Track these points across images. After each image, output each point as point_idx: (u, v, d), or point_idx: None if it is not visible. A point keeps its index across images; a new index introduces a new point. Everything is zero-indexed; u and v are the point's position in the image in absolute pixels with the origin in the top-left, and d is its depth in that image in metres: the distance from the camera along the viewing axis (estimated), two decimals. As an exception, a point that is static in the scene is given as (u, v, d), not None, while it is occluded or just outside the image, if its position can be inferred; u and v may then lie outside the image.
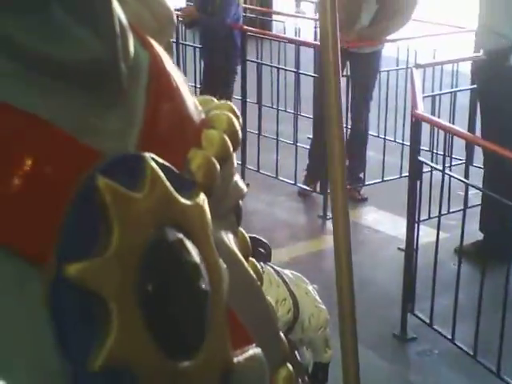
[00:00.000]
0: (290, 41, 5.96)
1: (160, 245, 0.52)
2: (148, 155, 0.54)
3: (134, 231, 0.50)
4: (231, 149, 0.64)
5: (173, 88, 0.61)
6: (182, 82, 0.63)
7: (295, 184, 5.26)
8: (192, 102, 0.63)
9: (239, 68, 5.51)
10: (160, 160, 0.55)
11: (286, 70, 5.76)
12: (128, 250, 0.49)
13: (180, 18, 5.42)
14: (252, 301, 0.67)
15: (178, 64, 5.41)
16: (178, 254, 0.53)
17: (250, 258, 0.73)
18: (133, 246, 0.50)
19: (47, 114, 0.49)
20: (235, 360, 0.59)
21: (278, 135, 5.43)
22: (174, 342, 0.52)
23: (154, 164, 0.54)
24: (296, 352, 1.87)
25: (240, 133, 0.66)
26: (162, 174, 0.54)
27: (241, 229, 0.71)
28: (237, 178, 0.68)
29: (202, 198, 0.58)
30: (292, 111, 5.73)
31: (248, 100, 5.55)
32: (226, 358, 0.58)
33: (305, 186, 5.25)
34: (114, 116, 0.54)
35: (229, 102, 0.68)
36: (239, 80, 5.50)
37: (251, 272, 0.68)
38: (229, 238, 0.66)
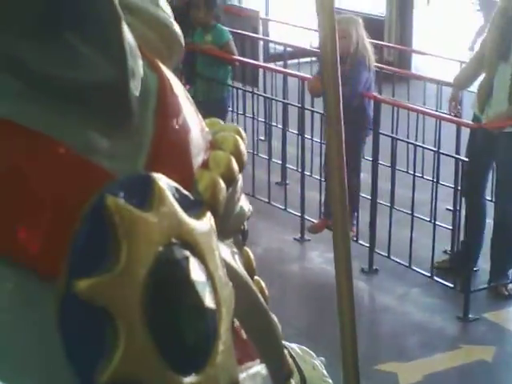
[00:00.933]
0: (430, 114, 5.06)
1: (167, 262, 0.53)
2: (156, 175, 0.56)
3: (142, 249, 0.52)
4: (237, 170, 0.65)
5: (181, 110, 0.62)
6: (190, 105, 0.64)
7: (431, 277, 4.41)
8: (199, 124, 0.65)
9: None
10: (168, 180, 0.57)
11: (424, 147, 4.85)
12: (136, 267, 0.51)
13: (307, 88, 4.98)
14: (257, 318, 0.69)
15: (302, 130, 5.10)
16: (186, 271, 0.55)
17: (256, 277, 0.74)
18: (141, 263, 0.51)
19: (58, 135, 0.52)
20: (240, 376, 0.60)
21: (413, 209, 4.53)
22: (181, 357, 0.53)
23: (161, 184, 0.55)
24: None
25: (245, 154, 0.67)
26: (169, 194, 0.55)
27: (246, 248, 0.73)
28: (242, 198, 0.69)
29: (209, 218, 0.60)
30: (430, 178, 4.79)
31: (380, 162, 4.77)
32: (232, 373, 0.59)
33: (443, 281, 4.38)
34: (123, 137, 0.56)
35: (235, 124, 0.69)
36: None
37: (256, 290, 0.70)
38: (234, 257, 0.68)
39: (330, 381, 1.97)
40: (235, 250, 0.69)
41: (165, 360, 0.52)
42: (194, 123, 0.64)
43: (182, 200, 0.57)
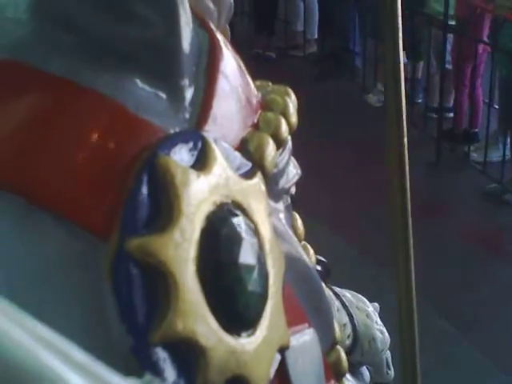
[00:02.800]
0: None
1: (219, 221, 0.53)
2: (207, 134, 0.55)
3: (194, 208, 0.51)
4: (288, 131, 0.65)
5: (232, 70, 0.62)
6: (241, 64, 0.64)
7: None
8: (250, 84, 0.64)
9: None
10: (218, 139, 0.56)
11: None
12: (189, 226, 0.50)
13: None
14: (306, 282, 0.68)
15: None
16: (237, 231, 0.54)
17: (303, 242, 0.74)
18: (193, 222, 0.51)
19: (111, 91, 0.51)
20: (291, 339, 0.60)
21: None
22: (233, 317, 0.53)
23: (213, 143, 0.54)
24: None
25: (295, 115, 0.67)
26: (220, 153, 0.55)
27: (294, 212, 0.72)
28: (292, 160, 0.69)
29: (259, 178, 0.59)
30: None
31: None
32: (283, 336, 0.59)
33: None
34: (174, 96, 0.55)
35: (285, 86, 0.69)
36: None
37: (305, 255, 0.69)
38: (284, 219, 0.67)
39: (384, 329, 1.95)
40: (285, 212, 0.68)
41: (217, 319, 0.51)
42: (245, 83, 0.63)
43: (233, 160, 0.57)
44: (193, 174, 0.52)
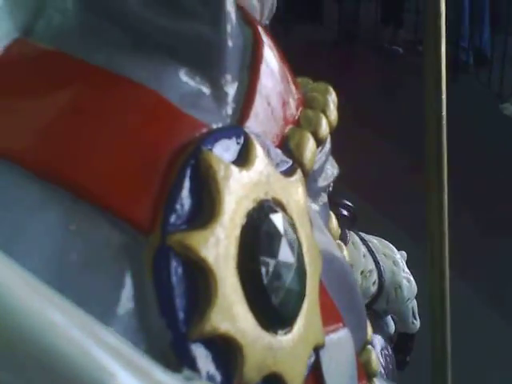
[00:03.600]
0: None
1: (259, 219, 0.53)
2: (249, 130, 0.55)
3: (236, 204, 0.51)
4: (328, 129, 0.64)
5: (275, 66, 0.62)
6: (284, 60, 0.63)
7: None
8: (292, 82, 0.64)
9: None
10: (260, 136, 0.56)
11: None
12: (230, 222, 0.50)
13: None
14: (341, 281, 0.68)
15: None
16: (277, 228, 0.54)
17: (338, 241, 0.73)
18: (235, 218, 0.51)
19: (155, 84, 0.51)
20: (326, 338, 0.60)
21: None
22: (270, 315, 0.52)
23: (255, 139, 0.54)
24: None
25: (336, 114, 0.67)
26: (262, 150, 0.55)
27: (330, 212, 0.72)
28: (330, 159, 0.69)
29: (299, 176, 0.59)
30: None
31: None
32: (318, 334, 0.58)
33: None
34: (217, 91, 0.55)
35: (326, 84, 0.69)
36: None
37: (341, 253, 0.69)
38: (321, 218, 0.67)
39: (411, 277, 1.89)
40: (322, 210, 0.68)
41: (255, 317, 0.51)
42: (287, 80, 0.63)
43: (274, 156, 0.57)
44: (235, 170, 0.52)
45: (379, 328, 1.85)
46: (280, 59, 0.63)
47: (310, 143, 0.61)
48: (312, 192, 0.64)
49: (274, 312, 0.53)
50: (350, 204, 1.83)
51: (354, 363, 0.66)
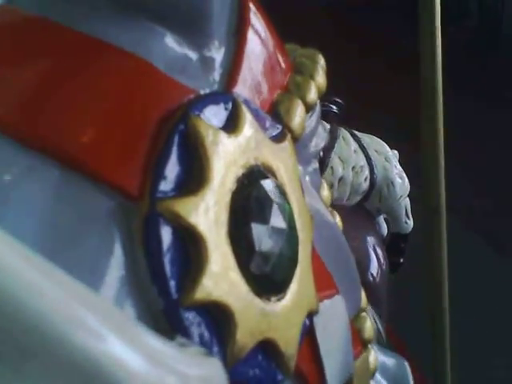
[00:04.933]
0: None
1: (250, 184, 0.52)
2: (237, 96, 0.54)
3: (225, 170, 0.50)
4: (317, 95, 0.64)
5: (262, 31, 0.61)
6: (271, 25, 0.63)
7: None
8: (280, 46, 0.63)
9: None
10: (248, 101, 0.55)
11: None
12: (220, 188, 0.50)
13: None
14: (333, 247, 0.68)
15: None
16: (267, 194, 0.53)
17: (330, 208, 0.73)
18: (225, 184, 0.50)
19: (140, 50, 0.50)
20: (320, 304, 0.59)
21: None
22: (263, 281, 0.52)
23: (243, 105, 0.54)
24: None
25: (324, 80, 0.66)
26: (250, 115, 0.54)
27: (322, 179, 0.72)
28: (321, 124, 0.68)
29: (289, 142, 0.58)
30: None
31: None
32: (312, 300, 0.58)
33: None
34: (204, 56, 0.55)
35: (314, 50, 0.68)
36: None
37: (333, 219, 0.69)
38: (311, 183, 0.67)
39: (404, 174, 1.85)
40: (313, 176, 0.68)
41: (247, 283, 0.51)
42: (275, 45, 0.62)
43: (263, 122, 0.56)
44: (224, 135, 0.51)
45: (372, 229, 1.82)
46: (266, 24, 0.62)
47: (300, 109, 0.61)
48: (302, 158, 0.64)
49: (266, 278, 0.52)
50: (339, 100, 1.79)
51: (348, 329, 0.66)
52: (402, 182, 1.85)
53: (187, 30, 0.53)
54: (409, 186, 1.85)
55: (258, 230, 0.52)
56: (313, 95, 0.63)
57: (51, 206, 0.45)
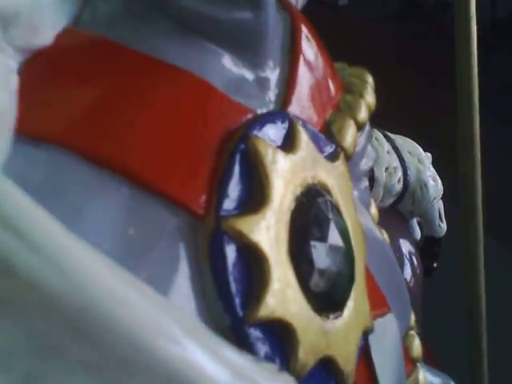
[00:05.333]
0: None
1: (307, 203, 0.53)
2: (293, 115, 0.55)
3: (284, 189, 0.51)
4: (367, 113, 0.65)
5: (314, 51, 0.62)
6: (322, 44, 0.64)
7: None
8: (331, 65, 0.64)
9: None
10: (303, 121, 0.56)
11: None
12: (280, 207, 0.50)
13: None
14: (385, 264, 0.68)
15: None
16: (324, 212, 0.54)
17: (378, 225, 0.73)
18: (284, 203, 0.51)
19: (200, 71, 0.52)
20: (374, 322, 0.59)
21: None
22: (322, 298, 0.53)
23: (299, 124, 0.55)
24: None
25: (374, 99, 0.67)
26: (306, 135, 0.55)
27: (371, 197, 0.72)
28: (371, 143, 0.69)
29: (343, 160, 0.59)
30: None
31: None
32: (367, 318, 0.59)
33: None
34: (259, 77, 0.56)
35: (361, 68, 0.69)
36: None
37: (384, 237, 0.69)
38: (361, 201, 0.68)
39: (437, 176, 1.81)
40: (363, 194, 0.69)
41: (307, 301, 0.51)
42: (326, 65, 0.63)
43: (317, 141, 0.57)
44: (282, 154, 0.52)
45: (405, 232, 1.79)
46: (317, 43, 0.63)
47: (352, 128, 0.61)
48: (353, 176, 0.64)
49: (325, 296, 0.53)
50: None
51: (401, 348, 0.66)
52: (435, 184, 1.82)
53: (243, 51, 0.54)
54: (442, 189, 1.82)
55: (317, 248, 0.52)
56: (363, 114, 0.64)
57: (121, 220, 0.46)
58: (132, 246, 0.45)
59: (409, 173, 1.75)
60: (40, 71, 0.49)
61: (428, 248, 1.90)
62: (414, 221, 1.89)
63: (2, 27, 0.44)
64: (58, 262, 0.35)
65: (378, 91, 0.68)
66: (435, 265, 1.94)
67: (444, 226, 1.90)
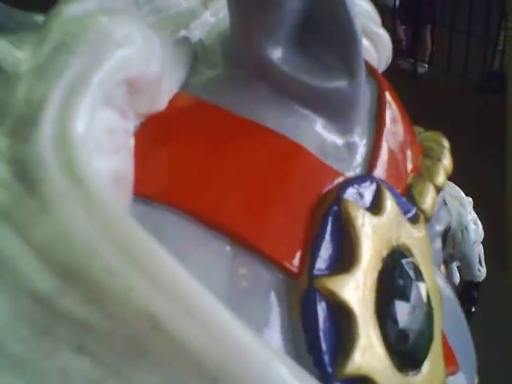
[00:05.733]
0: None
1: (393, 263, 0.55)
2: (380, 179, 0.58)
3: (373, 250, 0.54)
4: (444, 177, 0.68)
5: (397, 117, 0.65)
6: (403, 110, 0.66)
7: None
8: (411, 130, 0.67)
9: None
10: (389, 184, 0.59)
11: None
12: (368, 268, 0.53)
13: None
14: (455, 324, 0.70)
15: None
16: (408, 274, 0.56)
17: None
18: (372, 263, 0.54)
19: (296, 135, 0.55)
20: (446, 379, 0.61)
21: None
22: (403, 356, 0.55)
23: (385, 187, 0.57)
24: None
25: (451, 164, 0.69)
26: (392, 198, 0.58)
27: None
28: (444, 205, 0.71)
29: (424, 223, 0.62)
30: None
31: None
32: (441, 376, 0.60)
33: None
34: (349, 141, 0.59)
35: (437, 132, 0.72)
36: None
37: (455, 298, 0.71)
38: (434, 261, 0.70)
39: (478, 221, 1.79)
40: (437, 254, 0.71)
41: (390, 358, 0.53)
42: (407, 130, 0.66)
43: (400, 203, 0.59)
44: (370, 217, 0.55)
45: (445, 276, 1.78)
46: (400, 109, 0.66)
47: (431, 191, 0.64)
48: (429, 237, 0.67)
49: (407, 354, 0.55)
50: None
51: None
52: (476, 228, 1.81)
53: (336, 116, 0.57)
54: (483, 233, 1.82)
55: (401, 308, 0.54)
56: (441, 178, 0.67)
57: (222, 273, 0.49)
58: (230, 299, 0.48)
59: (451, 216, 1.75)
60: (151, 134, 0.52)
61: (467, 293, 1.90)
62: (454, 265, 1.89)
63: (130, 94, 0.48)
64: (214, 329, 0.41)
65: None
66: (473, 309, 1.93)
67: (483, 270, 1.90)
